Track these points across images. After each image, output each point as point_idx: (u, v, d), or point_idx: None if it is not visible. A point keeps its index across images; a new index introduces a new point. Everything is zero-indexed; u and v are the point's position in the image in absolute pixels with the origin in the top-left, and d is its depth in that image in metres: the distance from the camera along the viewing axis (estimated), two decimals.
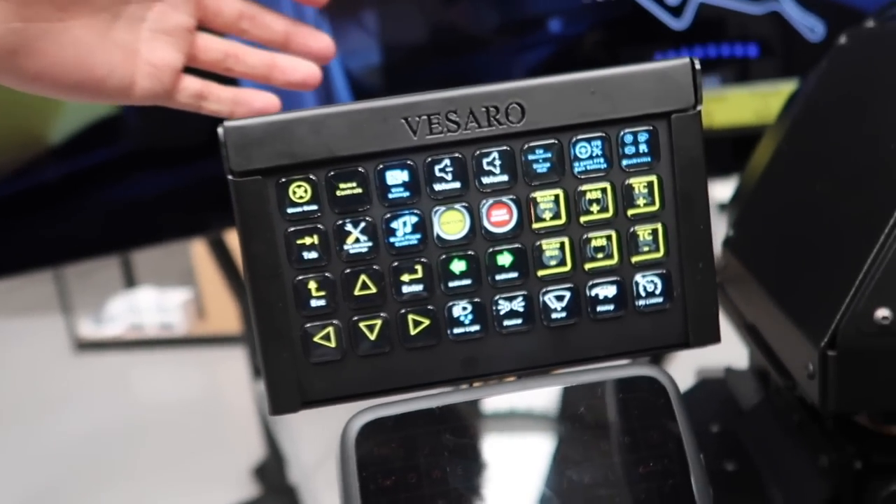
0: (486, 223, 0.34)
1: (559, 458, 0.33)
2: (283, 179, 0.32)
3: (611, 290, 0.34)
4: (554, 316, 0.34)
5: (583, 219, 0.34)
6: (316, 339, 0.34)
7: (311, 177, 0.33)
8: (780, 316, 0.44)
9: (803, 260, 0.44)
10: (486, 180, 0.33)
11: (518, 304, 0.34)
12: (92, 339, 2.88)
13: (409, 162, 0.33)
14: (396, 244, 0.33)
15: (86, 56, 0.40)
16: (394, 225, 0.33)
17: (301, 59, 0.46)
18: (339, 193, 0.33)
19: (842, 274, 0.39)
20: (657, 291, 0.35)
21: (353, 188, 0.33)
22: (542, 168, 0.33)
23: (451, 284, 0.34)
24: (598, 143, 0.33)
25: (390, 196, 0.33)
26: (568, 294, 0.34)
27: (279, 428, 1.61)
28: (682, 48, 0.94)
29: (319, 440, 1.64)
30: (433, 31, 0.97)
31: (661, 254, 0.34)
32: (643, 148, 0.34)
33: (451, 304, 0.34)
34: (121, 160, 0.96)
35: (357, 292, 0.33)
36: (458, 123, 0.33)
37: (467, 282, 0.34)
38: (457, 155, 0.33)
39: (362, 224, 0.33)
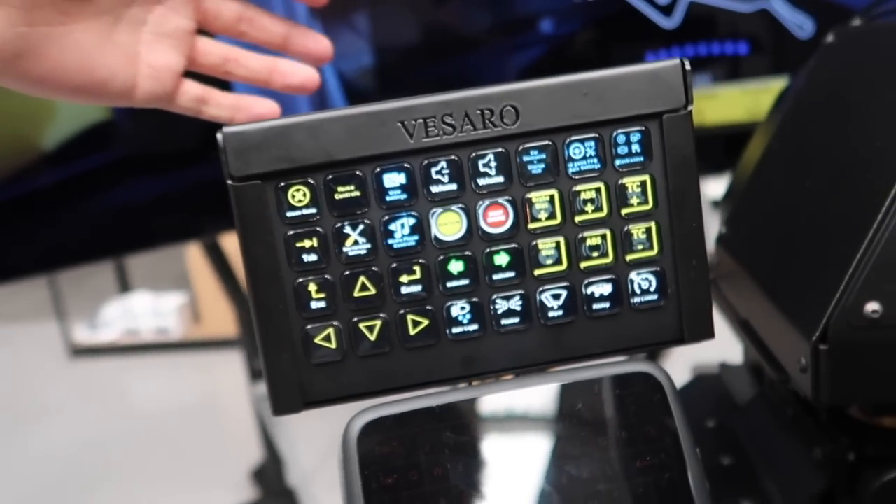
0: (482, 224, 0.34)
1: (558, 453, 0.33)
2: (282, 184, 0.33)
3: (606, 289, 0.35)
4: (551, 314, 0.35)
5: (578, 218, 0.34)
6: (316, 340, 0.34)
7: (310, 181, 0.33)
8: (773, 311, 0.44)
9: (795, 256, 0.45)
10: (482, 182, 0.34)
11: (515, 304, 0.35)
12: (87, 344, 2.87)
13: (406, 165, 0.33)
14: (395, 246, 0.34)
15: (88, 59, 0.40)
16: (392, 227, 0.33)
17: (300, 63, 0.46)
18: (337, 197, 0.33)
19: (832, 269, 0.40)
20: (652, 289, 0.35)
21: (351, 191, 0.33)
22: (536, 169, 0.34)
23: (449, 285, 0.34)
24: (592, 143, 0.34)
25: (388, 198, 0.33)
26: (564, 293, 0.35)
27: (277, 431, 1.61)
28: (673, 47, 0.95)
29: (317, 443, 1.65)
30: (425, 32, 0.98)
31: (655, 252, 0.35)
32: (636, 148, 0.34)
33: (449, 304, 0.34)
34: (113, 165, 0.95)
35: (356, 294, 0.34)
36: (453, 126, 0.33)
37: (465, 282, 0.34)
38: (453, 157, 0.33)
39: (361, 226, 0.33)
